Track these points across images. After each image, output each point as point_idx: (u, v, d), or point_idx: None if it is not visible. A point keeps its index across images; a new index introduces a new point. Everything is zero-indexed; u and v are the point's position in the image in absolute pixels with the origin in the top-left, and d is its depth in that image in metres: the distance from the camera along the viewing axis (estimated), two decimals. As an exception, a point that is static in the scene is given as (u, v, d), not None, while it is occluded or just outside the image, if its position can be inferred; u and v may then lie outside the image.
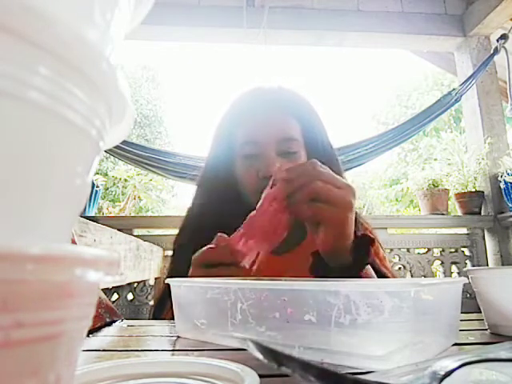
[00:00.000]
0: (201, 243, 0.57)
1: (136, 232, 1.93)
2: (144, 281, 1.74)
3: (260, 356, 0.18)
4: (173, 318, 0.43)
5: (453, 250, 2.05)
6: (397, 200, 8.02)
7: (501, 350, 0.29)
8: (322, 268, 0.55)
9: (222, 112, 0.76)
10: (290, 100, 0.72)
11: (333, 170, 0.71)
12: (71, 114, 0.14)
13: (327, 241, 0.53)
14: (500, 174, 2.04)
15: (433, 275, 2.00)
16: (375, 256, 0.68)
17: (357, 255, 0.54)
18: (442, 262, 2.03)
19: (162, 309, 0.66)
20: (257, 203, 0.67)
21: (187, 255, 0.59)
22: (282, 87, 0.75)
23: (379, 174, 9.92)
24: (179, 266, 0.68)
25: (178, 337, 0.42)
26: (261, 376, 0.22)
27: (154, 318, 0.69)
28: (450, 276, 2.00)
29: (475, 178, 2.12)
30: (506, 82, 2.22)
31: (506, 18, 2.14)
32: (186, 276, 0.57)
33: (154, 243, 1.73)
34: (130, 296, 1.76)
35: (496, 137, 2.15)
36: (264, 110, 0.70)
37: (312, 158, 0.70)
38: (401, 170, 9.51)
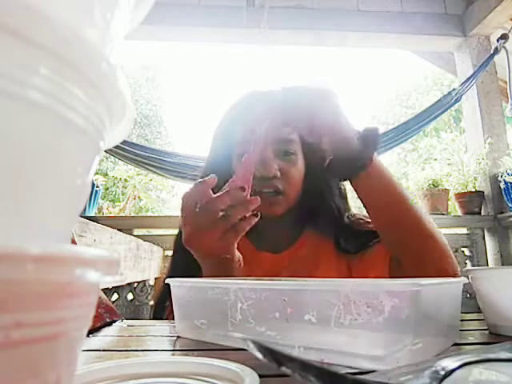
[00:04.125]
0: None
1: (136, 232, 1.93)
2: (144, 281, 1.74)
3: (260, 356, 0.18)
4: (174, 319, 0.43)
5: (453, 249, 2.05)
6: (397, 200, 7.99)
7: (501, 350, 0.29)
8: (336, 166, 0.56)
9: (221, 113, 0.76)
10: (290, 101, 0.72)
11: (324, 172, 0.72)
12: (71, 113, 0.14)
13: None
14: (500, 174, 2.03)
15: (433, 275, 2.00)
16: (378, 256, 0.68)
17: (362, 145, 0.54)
18: (442, 262, 2.02)
19: (163, 309, 0.66)
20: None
21: (187, 255, 0.60)
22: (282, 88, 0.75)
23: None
24: (179, 265, 0.68)
25: (178, 337, 0.42)
26: (261, 376, 0.22)
27: (155, 318, 0.69)
28: (450, 276, 2.00)
29: (475, 178, 2.12)
30: (506, 82, 2.22)
31: (506, 18, 2.14)
32: (185, 276, 0.57)
33: (153, 243, 1.73)
34: (129, 296, 1.76)
35: (496, 137, 2.15)
36: (263, 110, 0.70)
37: (310, 159, 0.71)
38: (401, 170, 9.50)
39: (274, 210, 0.67)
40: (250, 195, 0.66)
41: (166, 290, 0.65)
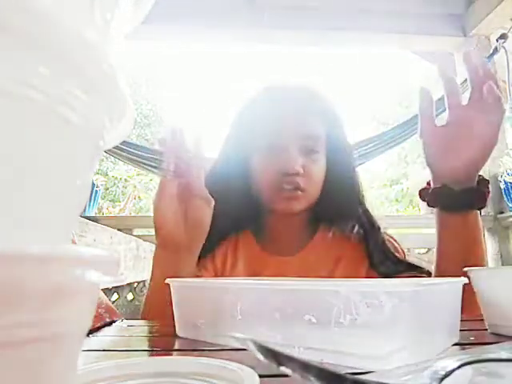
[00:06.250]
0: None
1: (136, 232, 1.93)
2: (144, 281, 1.74)
3: (260, 356, 0.17)
4: (171, 318, 0.43)
5: (453, 249, 2.05)
6: (397, 200, 8.01)
7: (501, 350, 0.29)
8: (446, 194, 0.57)
9: (236, 112, 0.73)
10: (315, 97, 0.71)
11: (348, 172, 0.71)
12: (71, 113, 0.14)
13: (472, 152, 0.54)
14: (500, 174, 2.03)
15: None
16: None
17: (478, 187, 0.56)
18: (442, 262, 2.02)
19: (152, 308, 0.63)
20: (271, 200, 0.66)
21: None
22: (306, 84, 0.73)
23: (379, 174, 9.91)
24: None
25: (178, 337, 0.42)
26: (261, 376, 0.22)
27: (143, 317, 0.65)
28: (450, 276, 2.00)
29: (475, 178, 2.11)
30: (505, 82, 2.22)
31: (506, 17, 2.14)
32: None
33: (153, 243, 1.73)
34: (129, 296, 1.76)
35: (496, 137, 2.15)
36: (289, 105, 0.68)
37: (332, 160, 0.69)
38: (401, 170, 9.51)
39: (292, 206, 0.65)
40: (270, 190, 0.65)
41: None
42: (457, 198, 0.56)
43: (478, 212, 0.58)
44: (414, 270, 0.65)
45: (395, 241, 0.73)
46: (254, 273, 0.67)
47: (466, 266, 0.50)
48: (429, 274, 0.64)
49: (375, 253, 0.67)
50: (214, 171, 0.70)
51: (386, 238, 0.70)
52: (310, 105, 0.69)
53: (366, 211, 0.70)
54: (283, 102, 0.69)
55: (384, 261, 0.66)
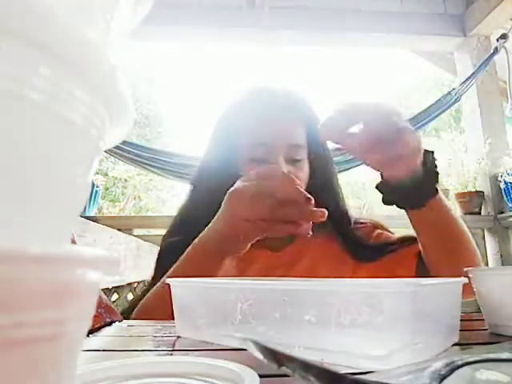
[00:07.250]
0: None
1: (136, 232, 1.93)
2: (144, 281, 1.74)
3: (260, 356, 0.18)
4: (172, 318, 0.43)
5: (453, 249, 2.05)
6: (397, 200, 7.99)
7: (501, 350, 0.29)
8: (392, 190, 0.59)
9: (222, 111, 0.74)
10: (299, 105, 0.72)
11: (328, 176, 0.73)
12: (71, 113, 0.14)
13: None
14: (500, 174, 2.04)
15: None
16: None
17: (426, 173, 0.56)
18: (442, 262, 2.03)
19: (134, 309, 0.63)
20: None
21: (177, 254, 0.59)
22: (290, 91, 0.74)
23: (379, 175, 9.88)
24: (168, 264, 0.65)
25: (178, 337, 0.42)
26: (261, 376, 0.22)
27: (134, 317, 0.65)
28: (450, 276, 2.00)
29: (475, 178, 2.12)
30: (505, 82, 2.22)
31: (506, 17, 2.14)
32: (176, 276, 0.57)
33: (153, 243, 1.73)
34: (129, 296, 1.76)
35: (496, 137, 2.15)
36: (275, 113, 0.69)
37: (313, 166, 0.71)
38: (401, 170, 9.42)
39: None
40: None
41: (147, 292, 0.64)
42: (402, 196, 0.58)
43: (441, 196, 0.58)
44: (398, 246, 0.70)
45: (376, 227, 0.76)
46: (242, 264, 0.69)
47: (451, 251, 0.54)
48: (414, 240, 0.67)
49: (345, 242, 0.72)
50: (202, 177, 0.73)
51: (362, 227, 0.75)
52: (292, 112, 0.70)
53: (343, 209, 0.75)
54: (267, 109, 0.70)
55: (357, 248, 0.71)
